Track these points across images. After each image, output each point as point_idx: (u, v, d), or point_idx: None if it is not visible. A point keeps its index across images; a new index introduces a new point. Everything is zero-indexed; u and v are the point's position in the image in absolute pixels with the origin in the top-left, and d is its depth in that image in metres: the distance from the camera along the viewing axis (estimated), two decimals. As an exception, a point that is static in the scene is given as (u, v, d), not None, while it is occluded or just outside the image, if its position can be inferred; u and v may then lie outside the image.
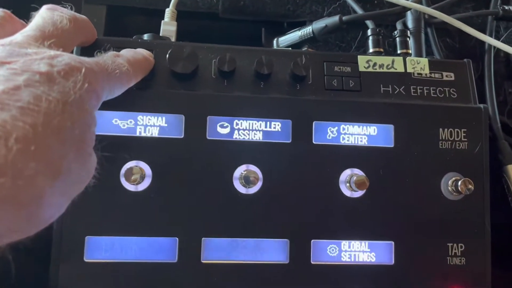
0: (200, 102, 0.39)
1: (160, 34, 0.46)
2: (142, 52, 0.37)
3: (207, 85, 0.40)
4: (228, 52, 0.40)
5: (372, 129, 0.40)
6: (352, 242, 0.39)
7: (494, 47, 0.53)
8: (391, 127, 0.40)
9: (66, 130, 0.23)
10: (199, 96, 0.39)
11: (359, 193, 0.39)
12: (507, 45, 0.47)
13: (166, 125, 0.38)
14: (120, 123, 0.38)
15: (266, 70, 0.40)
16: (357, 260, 0.39)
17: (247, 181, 0.37)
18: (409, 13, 0.50)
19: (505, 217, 0.45)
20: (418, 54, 0.48)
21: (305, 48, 0.47)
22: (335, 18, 0.44)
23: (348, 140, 0.40)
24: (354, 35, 0.53)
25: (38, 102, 0.22)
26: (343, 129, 0.40)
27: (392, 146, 0.40)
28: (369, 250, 0.39)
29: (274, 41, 0.48)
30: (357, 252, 0.39)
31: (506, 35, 0.52)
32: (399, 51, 0.46)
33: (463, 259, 0.40)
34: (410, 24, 0.49)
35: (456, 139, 0.41)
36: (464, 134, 0.41)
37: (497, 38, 0.53)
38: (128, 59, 0.34)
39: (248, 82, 0.41)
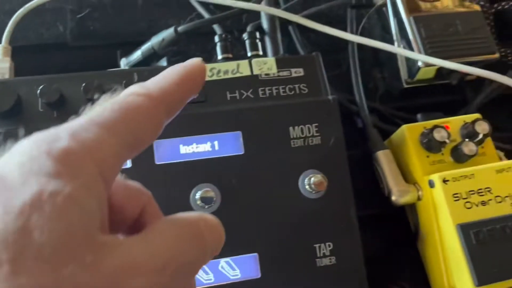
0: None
1: (-8, 73, 0.43)
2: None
3: (34, 119, 0.37)
4: (53, 82, 0.37)
5: (219, 139, 0.38)
6: (213, 261, 0.36)
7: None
8: (239, 134, 0.39)
9: None
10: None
11: (212, 209, 0.37)
12: (356, 36, 0.47)
13: None
14: None
15: (97, 94, 0.37)
16: (221, 281, 0.36)
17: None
18: (262, 14, 0.48)
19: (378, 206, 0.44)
20: (276, 54, 0.47)
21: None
22: (171, 30, 0.42)
23: (194, 155, 0.38)
24: (215, 45, 0.51)
25: None
26: (188, 143, 0.38)
27: (243, 153, 0.38)
28: (233, 266, 0.37)
29: (121, 63, 0.45)
30: (221, 272, 0.36)
31: (365, 20, 0.52)
32: (249, 54, 0.45)
33: (332, 259, 0.38)
34: (264, 24, 0.48)
35: (308, 135, 0.39)
36: (316, 129, 0.40)
37: (359, 24, 0.52)
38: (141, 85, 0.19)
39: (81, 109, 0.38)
